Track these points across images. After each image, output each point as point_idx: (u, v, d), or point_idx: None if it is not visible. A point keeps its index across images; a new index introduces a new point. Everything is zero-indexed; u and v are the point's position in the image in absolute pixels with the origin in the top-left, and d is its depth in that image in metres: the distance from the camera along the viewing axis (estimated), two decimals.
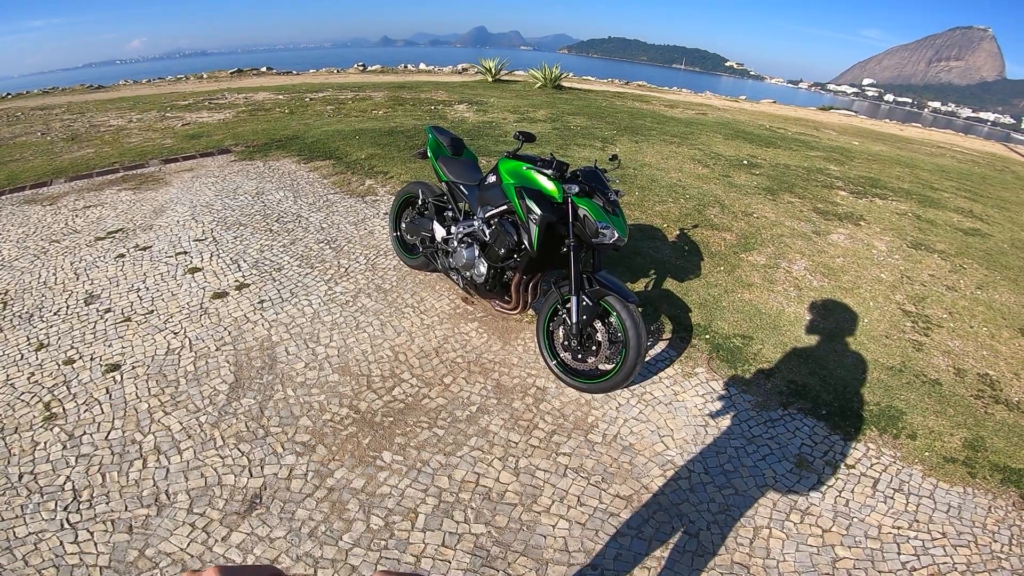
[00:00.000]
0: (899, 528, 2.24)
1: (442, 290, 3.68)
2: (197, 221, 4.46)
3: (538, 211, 2.64)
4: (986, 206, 6.37)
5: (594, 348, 2.78)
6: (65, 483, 2.15)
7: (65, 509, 2.06)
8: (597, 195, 2.60)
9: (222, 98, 9.66)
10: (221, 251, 4.01)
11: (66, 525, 1.99)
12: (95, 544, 1.93)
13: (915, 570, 2.08)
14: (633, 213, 4.83)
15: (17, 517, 2.03)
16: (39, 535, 1.95)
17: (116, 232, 4.26)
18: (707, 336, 3.33)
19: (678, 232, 4.53)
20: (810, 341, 3.37)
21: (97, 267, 3.76)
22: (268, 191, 5.09)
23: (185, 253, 3.96)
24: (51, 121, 8.08)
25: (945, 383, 3.13)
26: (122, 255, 3.91)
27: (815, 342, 3.37)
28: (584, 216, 2.57)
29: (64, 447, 2.31)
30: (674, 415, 2.75)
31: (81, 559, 1.88)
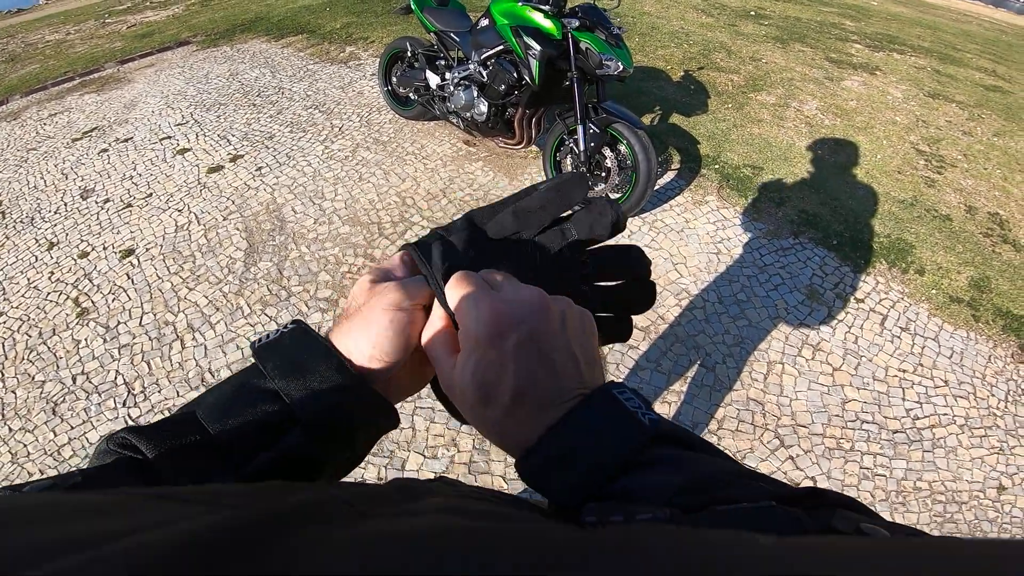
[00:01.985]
0: (904, 372, 2.18)
1: (442, 136, 3.38)
2: (173, 108, 4.04)
3: (537, 46, 2.44)
4: (1010, 68, 5.90)
5: (603, 175, 2.58)
6: (116, 378, 2.10)
7: (124, 405, 2.02)
8: (599, 29, 2.41)
9: None
10: (206, 130, 3.69)
11: (130, 421, 1.94)
12: None
13: (917, 419, 2.04)
14: (634, 56, 4.31)
15: (84, 422, 1.98)
16: None
17: (91, 131, 3.90)
18: (716, 166, 3.08)
19: (683, 73, 4.08)
20: (821, 173, 3.13)
21: (83, 164, 3.48)
22: (242, 71, 4.57)
23: (169, 138, 3.64)
24: None
25: (955, 219, 2.95)
26: (105, 149, 3.63)
27: (826, 174, 3.13)
28: (587, 49, 2.38)
29: (104, 341, 2.24)
30: (686, 242, 2.55)
31: None
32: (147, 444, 0.28)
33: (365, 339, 0.32)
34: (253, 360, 0.32)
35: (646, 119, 3.48)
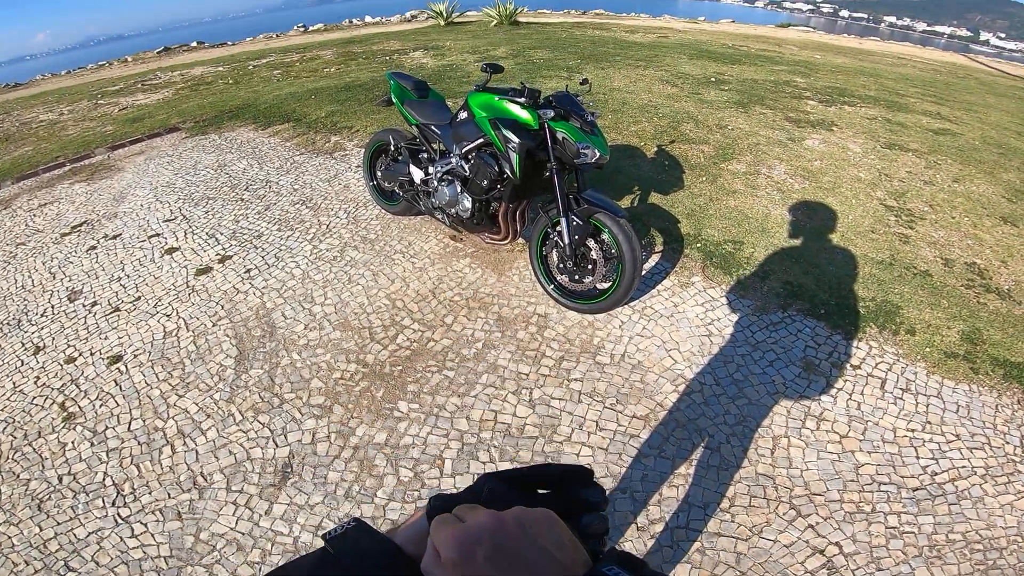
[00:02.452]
0: (913, 431, 2.17)
1: (428, 232, 3.43)
2: (162, 202, 4.08)
3: (516, 139, 2.48)
4: (953, 108, 6.23)
5: (590, 267, 2.61)
6: (104, 479, 2.09)
7: (113, 504, 2.01)
8: (573, 117, 2.46)
9: (155, 78, 8.73)
10: (194, 227, 3.70)
11: (119, 520, 1.95)
12: (152, 536, 1.90)
13: (936, 474, 2.02)
14: (609, 135, 4.52)
15: (72, 519, 1.97)
16: (99, 534, 1.91)
17: (80, 226, 3.90)
18: (698, 244, 3.14)
19: (656, 149, 4.26)
20: (799, 241, 3.21)
21: (71, 263, 3.46)
22: (230, 162, 4.66)
23: (158, 235, 3.64)
24: None
25: (935, 274, 3.03)
26: (93, 247, 3.61)
27: (804, 242, 3.21)
28: (563, 139, 2.42)
29: (92, 444, 2.23)
30: (677, 327, 2.57)
31: (144, 552, 1.85)
32: None
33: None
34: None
35: (626, 200, 3.59)
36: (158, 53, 12.24)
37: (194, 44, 12.96)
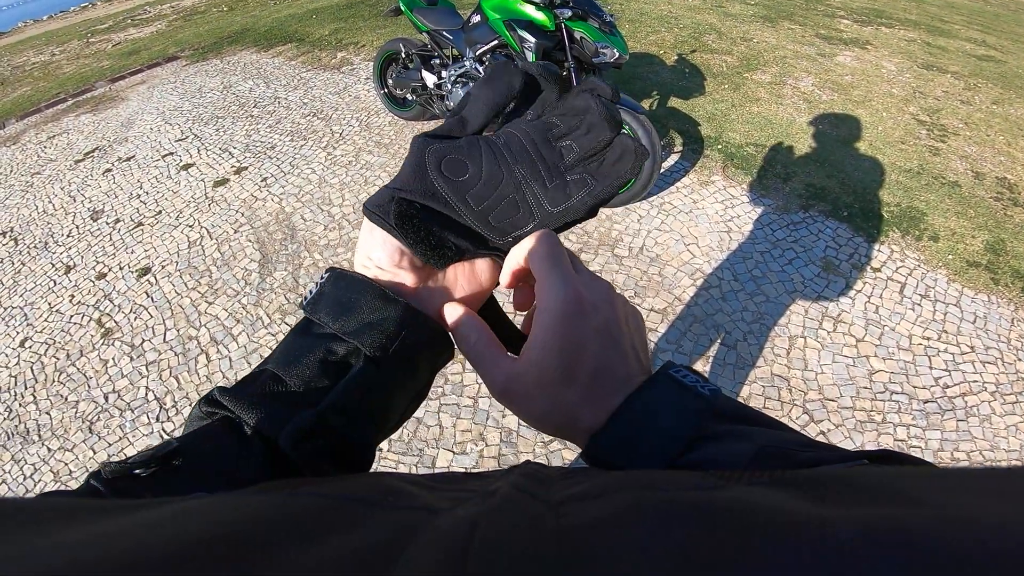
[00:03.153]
0: (929, 339, 2.11)
1: None
2: (171, 124, 4.00)
3: (532, 39, 2.41)
4: (1000, 38, 5.83)
5: None
6: (147, 394, 2.09)
7: (158, 420, 2.00)
8: (591, 17, 2.40)
9: (144, 12, 8.38)
10: (207, 144, 3.64)
11: (165, 435, 1.93)
12: None
13: (947, 387, 1.97)
14: (627, 43, 4.27)
15: (121, 439, 1.97)
16: None
17: (92, 152, 3.86)
18: (719, 146, 3.01)
19: (675, 57, 4.02)
20: (825, 147, 3.06)
21: (89, 186, 3.44)
22: (235, 83, 4.52)
23: (172, 154, 3.60)
24: None
25: (964, 185, 2.89)
26: (109, 169, 3.60)
27: (830, 148, 3.06)
28: (581, 38, 2.37)
29: (131, 359, 2.23)
30: (696, 223, 2.49)
31: None
32: (235, 403, 0.29)
33: (365, 248, 0.34)
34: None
35: (644, 104, 3.42)
36: None
37: None
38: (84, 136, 4.10)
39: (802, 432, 0.27)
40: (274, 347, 0.34)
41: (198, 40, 5.89)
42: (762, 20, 5.01)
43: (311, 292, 0.33)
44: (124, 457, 0.25)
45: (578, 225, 2.09)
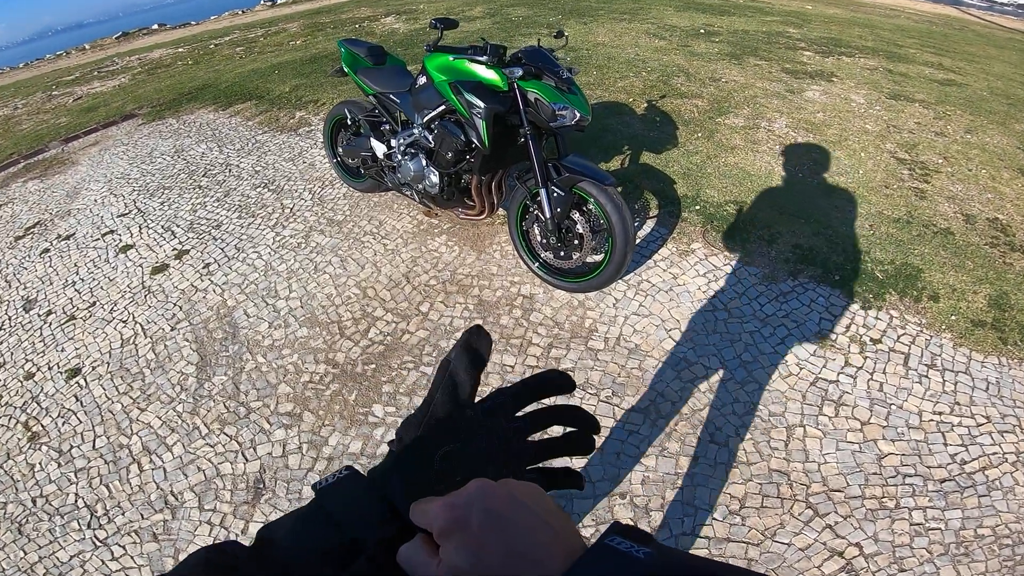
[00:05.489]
0: (941, 414, 1.87)
1: (400, 208, 2.99)
2: (116, 195, 3.66)
3: (481, 103, 2.07)
4: (955, 60, 5.72)
5: (576, 242, 2.18)
6: (76, 500, 1.93)
7: (89, 527, 1.85)
8: (546, 75, 2.04)
9: (112, 64, 8.09)
10: (150, 221, 3.30)
11: (98, 543, 1.80)
12: (132, 558, 1.75)
13: (965, 462, 1.74)
14: (595, 92, 4.02)
15: (52, 543, 1.83)
16: (80, 557, 1.77)
17: (34, 227, 3.51)
18: (697, 207, 2.71)
19: (646, 104, 3.77)
20: (807, 199, 2.79)
21: (25, 268, 3.12)
22: (188, 147, 4.18)
23: (112, 232, 3.25)
24: None
25: (957, 232, 2.63)
26: (47, 249, 3.24)
27: (813, 199, 2.79)
28: (536, 100, 2.02)
29: (59, 465, 2.03)
30: (677, 303, 2.18)
31: (127, 575, 1.71)
32: (248, 559, 0.33)
33: None
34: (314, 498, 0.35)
35: (615, 161, 3.13)
36: (116, 39, 11.43)
37: (155, 27, 12.08)
38: (28, 207, 3.75)
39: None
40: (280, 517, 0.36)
41: (158, 96, 5.59)
42: (728, 58, 4.81)
43: (327, 480, 0.36)
44: None
45: (548, 317, 1.75)
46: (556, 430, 0.41)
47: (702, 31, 5.85)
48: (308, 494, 1.66)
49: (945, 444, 1.78)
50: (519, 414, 0.40)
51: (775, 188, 2.86)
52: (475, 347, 0.40)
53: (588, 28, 5.97)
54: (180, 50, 8.13)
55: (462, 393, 0.38)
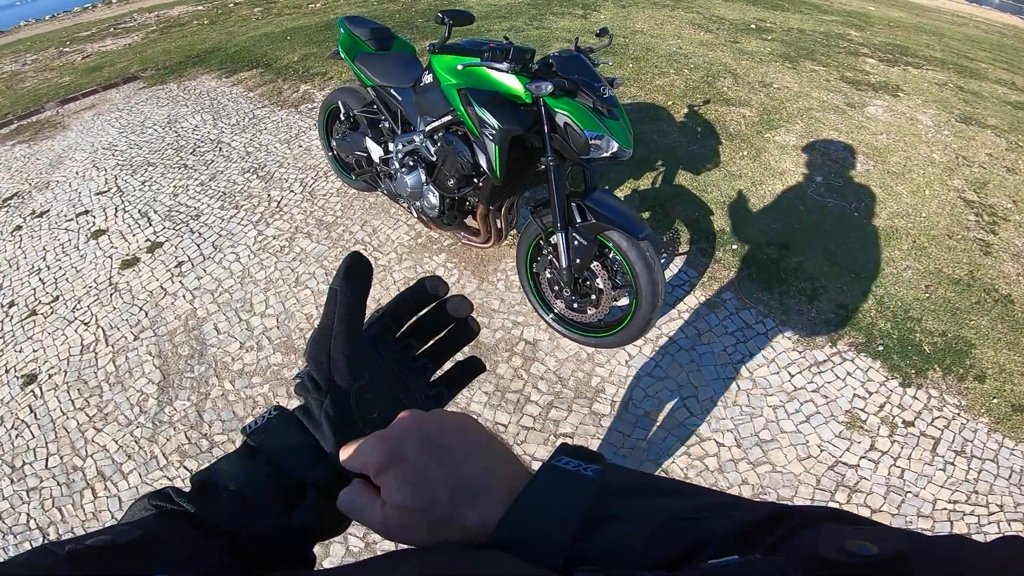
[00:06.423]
0: (955, 503, 1.68)
1: (398, 214, 2.70)
2: (98, 168, 3.42)
3: (495, 123, 1.63)
4: None
5: (593, 297, 1.84)
6: (28, 521, 1.82)
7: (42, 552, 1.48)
8: (583, 92, 1.58)
9: (130, 20, 7.69)
10: (127, 203, 3.06)
11: None
12: None
13: None
14: (629, 90, 3.62)
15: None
16: None
17: (11, 199, 3.30)
18: (734, 247, 2.40)
19: (686, 110, 3.38)
20: (861, 249, 2.45)
21: None
22: (182, 117, 3.91)
23: (87, 212, 3.03)
24: None
25: (1017, 300, 2.30)
26: (19, 227, 3.01)
27: (867, 250, 2.45)
28: (566, 125, 1.57)
29: (12, 482, 1.90)
30: (698, 367, 1.91)
31: None
32: (189, 502, 0.31)
33: None
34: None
35: (646, 178, 2.78)
36: None
37: None
38: (10, 175, 3.55)
39: (711, 490, 0.28)
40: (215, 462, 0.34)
41: (165, 58, 5.30)
42: (782, 59, 4.33)
43: (256, 423, 0.35)
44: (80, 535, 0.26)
45: (551, 370, 1.54)
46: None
47: (753, 26, 5.31)
48: None
49: (951, 532, 1.59)
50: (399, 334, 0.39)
51: (825, 229, 2.51)
52: (357, 273, 0.38)
53: (627, 12, 5.46)
54: (199, 8, 7.75)
55: (354, 323, 0.37)
